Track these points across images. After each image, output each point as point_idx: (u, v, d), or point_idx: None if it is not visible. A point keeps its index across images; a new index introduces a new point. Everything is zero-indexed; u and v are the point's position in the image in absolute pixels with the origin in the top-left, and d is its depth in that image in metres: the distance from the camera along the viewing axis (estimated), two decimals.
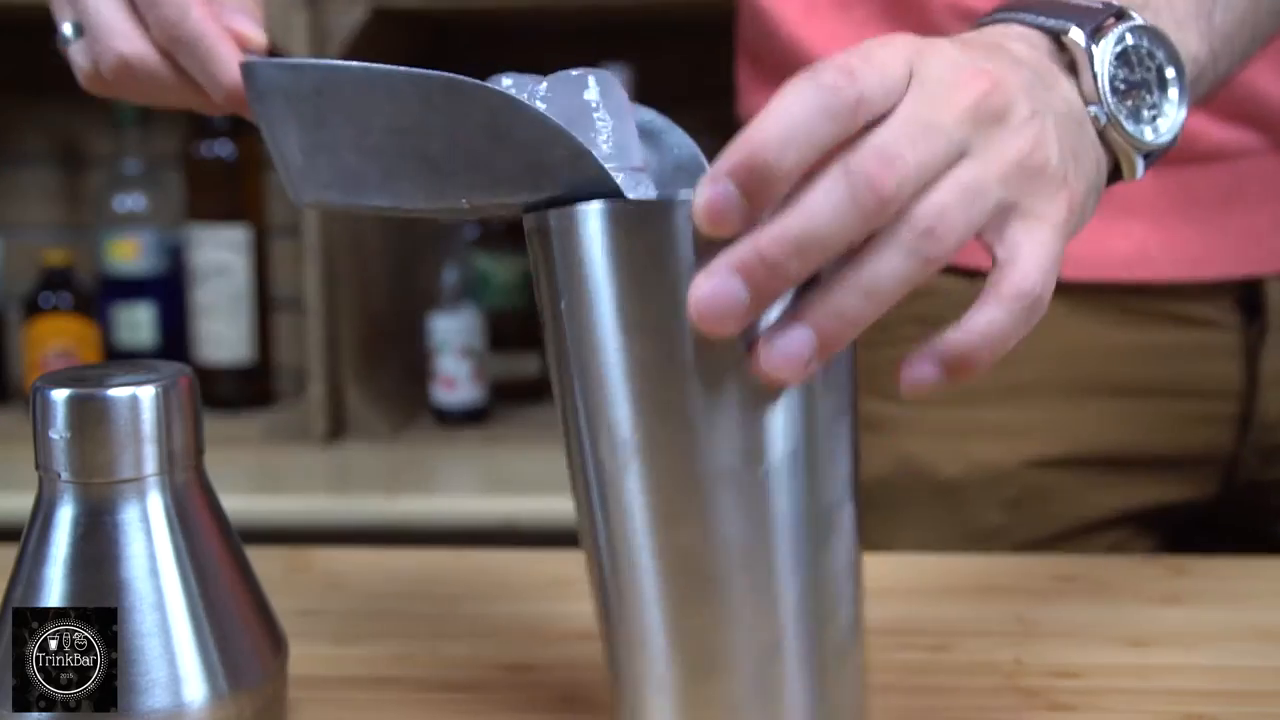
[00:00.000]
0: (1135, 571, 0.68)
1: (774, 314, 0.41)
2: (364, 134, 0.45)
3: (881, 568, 0.69)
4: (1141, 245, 0.75)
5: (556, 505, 1.29)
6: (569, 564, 0.70)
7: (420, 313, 1.56)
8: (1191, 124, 0.74)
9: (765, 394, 0.41)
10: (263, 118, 0.47)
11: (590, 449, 0.43)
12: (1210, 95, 0.58)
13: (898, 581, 0.66)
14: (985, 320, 0.43)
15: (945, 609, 0.63)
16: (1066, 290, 0.76)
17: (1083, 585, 0.66)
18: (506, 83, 0.49)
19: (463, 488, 1.38)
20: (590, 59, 1.73)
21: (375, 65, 0.44)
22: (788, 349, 0.40)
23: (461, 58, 1.63)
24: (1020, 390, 0.77)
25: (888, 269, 0.40)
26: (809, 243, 0.39)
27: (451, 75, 0.43)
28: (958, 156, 0.41)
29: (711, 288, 0.39)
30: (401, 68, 0.43)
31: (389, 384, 1.54)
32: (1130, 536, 0.80)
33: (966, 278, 0.78)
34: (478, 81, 0.43)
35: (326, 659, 0.58)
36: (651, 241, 0.41)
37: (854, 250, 0.40)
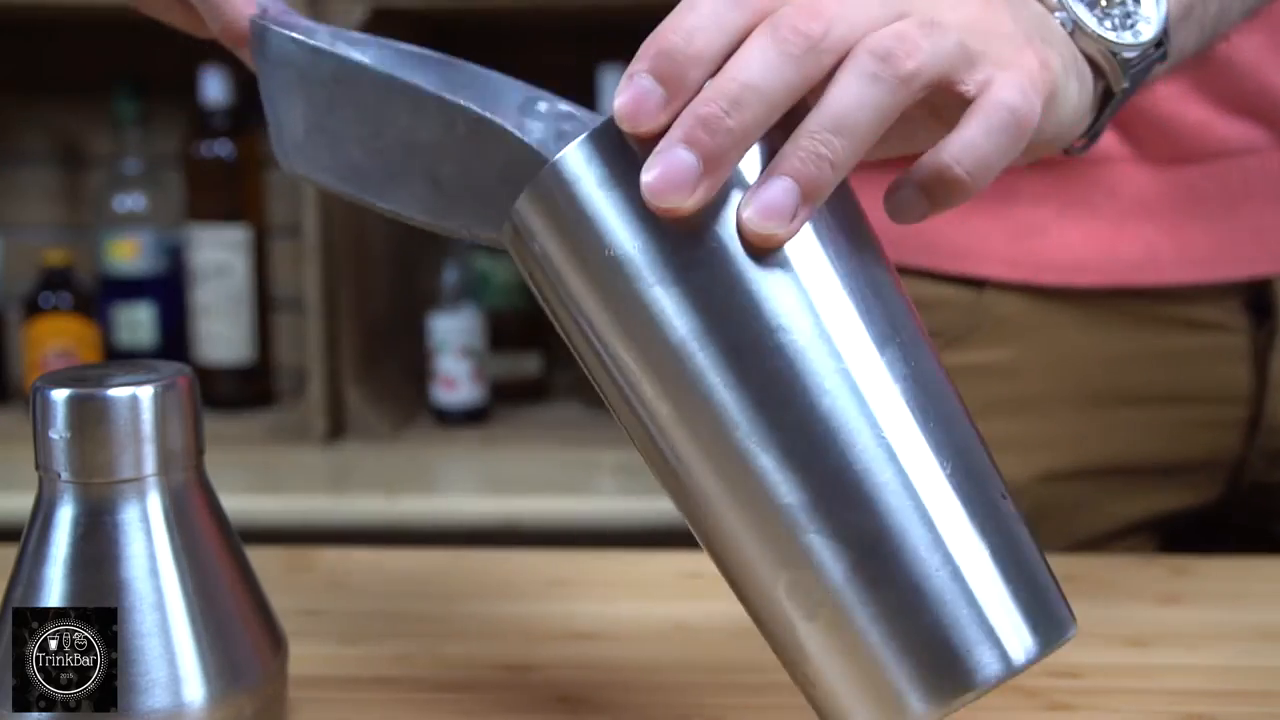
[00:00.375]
0: (1135, 571, 0.68)
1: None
2: (375, 136, 0.44)
3: None
4: (1150, 248, 0.74)
5: (556, 505, 1.30)
6: (569, 564, 0.70)
7: (420, 313, 1.56)
8: (1196, 116, 0.74)
9: (772, 261, 0.39)
10: (266, 79, 0.46)
11: (657, 420, 0.40)
12: (1210, 41, 0.57)
13: None
14: (960, 137, 0.41)
15: None
16: (1076, 298, 0.76)
17: (1083, 585, 0.66)
18: (542, 107, 0.48)
19: (463, 488, 1.38)
20: (590, 59, 1.73)
21: (400, 77, 0.43)
22: (768, 199, 0.38)
23: (462, 57, 1.63)
24: (1031, 402, 0.76)
25: (853, 97, 0.39)
26: (744, 95, 0.38)
27: (479, 112, 0.42)
28: (899, 14, 0.40)
29: (660, 161, 0.38)
30: (428, 87, 0.43)
31: (389, 384, 1.54)
32: (1137, 544, 0.80)
33: (973, 289, 0.78)
34: (503, 125, 0.42)
35: (326, 659, 0.58)
36: (603, 177, 0.39)
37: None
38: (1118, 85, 0.48)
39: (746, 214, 0.39)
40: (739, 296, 0.39)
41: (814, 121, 0.39)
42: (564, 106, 0.51)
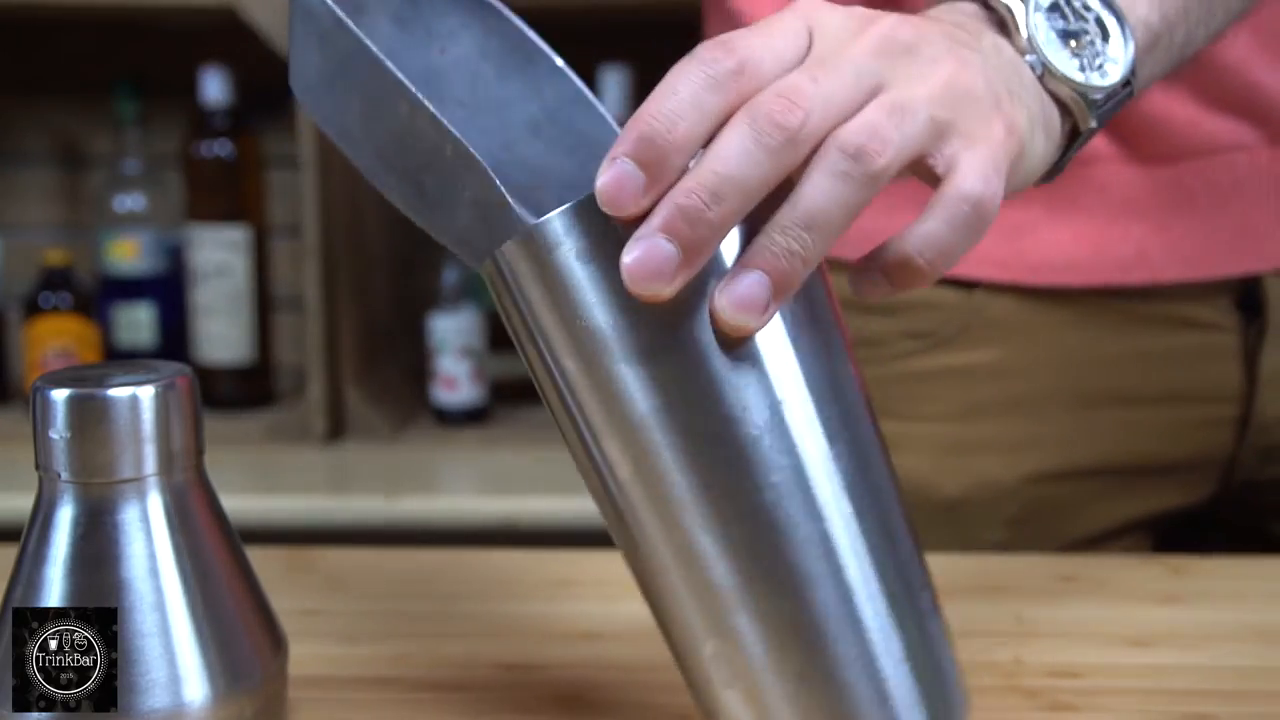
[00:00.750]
0: (1135, 571, 0.68)
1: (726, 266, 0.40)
2: (373, 120, 0.44)
3: None
4: (1140, 247, 0.74)
5: (556, 505, 1.30)
6: (569, 564, 0.70)
7: (420, 313, 1.56)
8: (1184, 114, 0.74)
9: (739, 351, 0.41)
10: (294, 19, 0.47)
11: (621, 487, 0.42)
12: (1176, 65, 0.57)
13: None
14: (924, 227, 0.42)
15: (945, 609, 0.63)
16: (1067, 298, 0.76)
17: (1083, 585, 0.66)
18: (548, 132, 0.48)
19: (463, 488, 1.38)
20: (590, 59, 1.73)
21: (408, 84, 0.43)
22: (740, 293, 0.40)
23: None
24: (1022, 403, 0.76)
25: (824, 195, 0.40)
26: (724, 188, 0.39)
27: (465, 145, 0.43)
28: (870, 90, 0.41)
29: (639, 248, 0.39)
30: (431, 107, 0.43)
31: (389, 384, 1.54)
32: (1131, 544, 0.80)
33: (964, 290, 0.78)
34: (484, 166, 0.43)
35: (326, 659, 0.58)
36: (583, 250, 0.40)
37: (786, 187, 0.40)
38: (1085, 125, 0.49)
39: (720, 304, 0.40)
40: (700, 384, 0.41)
41: (786, 217, 0.40)
42: (579, 120, 0.51)
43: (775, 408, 0.41)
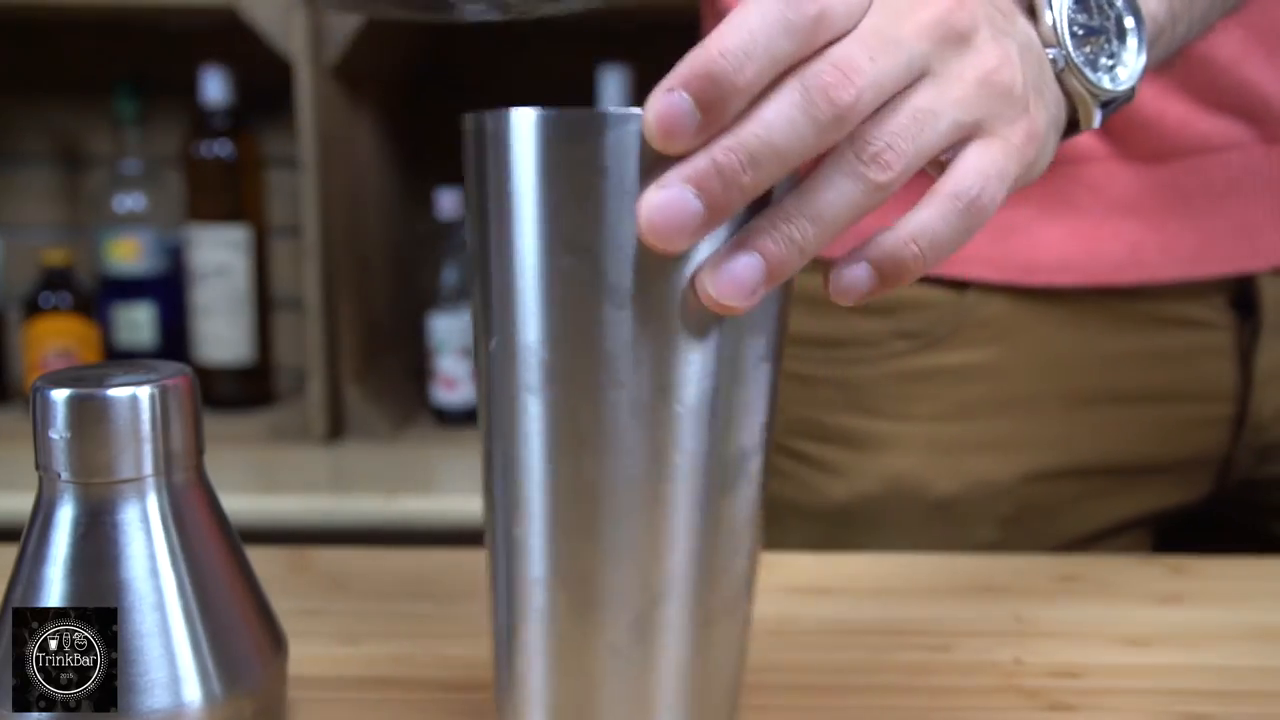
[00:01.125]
0: (1135, 571, 0.68)
1: (717, 242, 0.39)
2: None
3: (882, 568, 0.69)
4: (1133, 246, 0.74)
5: None
6: None
7: (420, 313, 1.56)
8: (1177, 113, 0.74)
9: (689, 329, 0.40)
10: None
11: (499, 366, 0.42)
12: (1170, 60, 0.57)
13: (898, 581, 0.66)
14: (916, 219, 0.41)
15: (945, 609, 0.63)
16: (1060, 298, 0.76)
17: (1083, 585, 0.66)
18: None
19: (463, 488, 1.38)
20: (590, 59, 1.73)
21: None
22: (735, 274, 0.39)
23: (462, 57, 1.63)
24: (1015, 402, 0.76)
25: (836, 194, 0.39)
26: (764, 154, 0.38)
27: None
28: (919, 74, 0.40)
29: (664, 198, 0.38)
30: None
31: (389, 384, 1.54)
32: (1129, 544, 0.80)
33: (955, 290, 0.78)
34: None
35: (326, 659, 0.58)
36: (586, 154, 0.39)
37: (802, 173, 0.40)
38: (1088, 124, 0.48)
39: (709, 282, 0.39)
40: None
41: (794, 205, 0.39)
42: None
43: (675, 395, 0.40)
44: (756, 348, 0.42)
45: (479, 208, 0.42)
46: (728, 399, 0.41)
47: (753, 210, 0.40)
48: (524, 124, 0.40)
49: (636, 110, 0.38)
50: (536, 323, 0.41)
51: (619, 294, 0.39)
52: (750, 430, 0.42)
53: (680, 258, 0.39)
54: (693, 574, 0.42)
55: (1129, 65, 0.48)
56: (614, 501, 0.41)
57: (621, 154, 0.39)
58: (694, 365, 0.40)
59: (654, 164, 0.38)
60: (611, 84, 1.46)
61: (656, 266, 0.39)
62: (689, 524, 0.42)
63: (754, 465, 0.43)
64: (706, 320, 0.40)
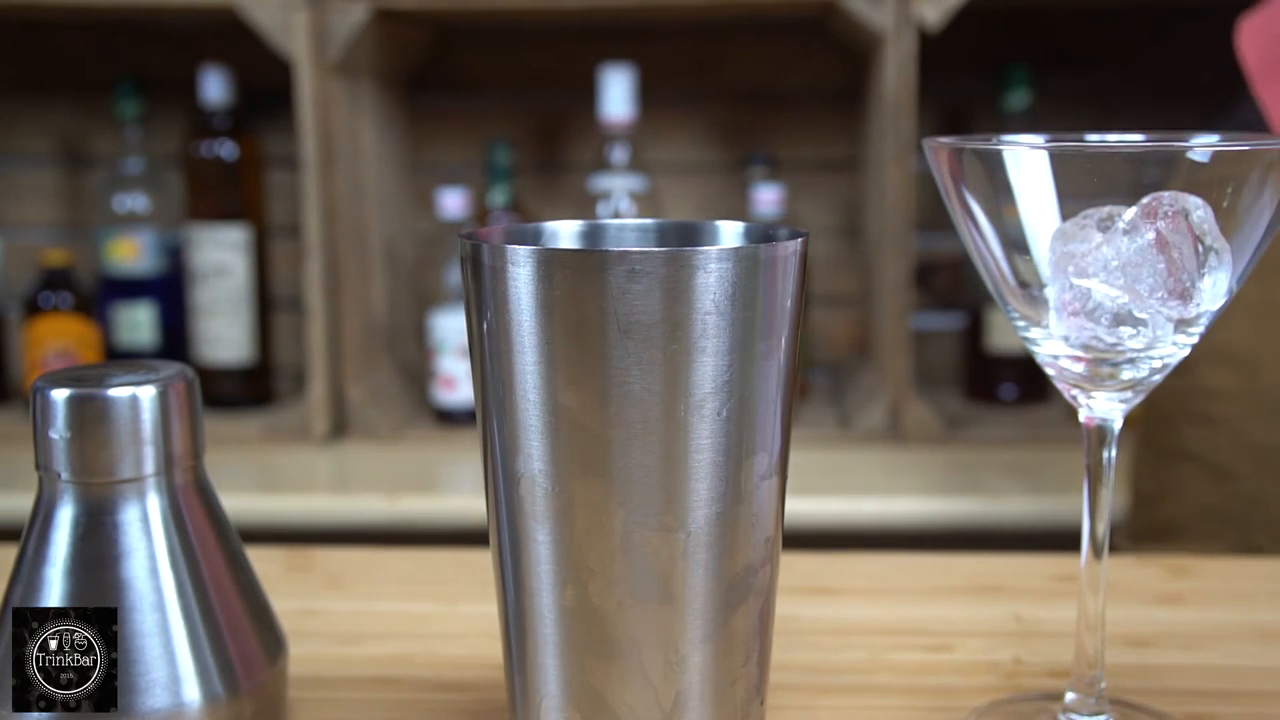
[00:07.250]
0: (1135, 571, 0.68)
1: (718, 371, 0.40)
2: None
3: (881, 568, 0.69)
4: None
5: None
6: None
7: (420, 313, 1.56)
8: None
9: (692, 457, 0.40)
10: None
11: (506, 493, 0.43)
12: None
13: (898, 581, 0.66)
14: None
15: (945, 609, 0.63)
16: None
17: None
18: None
19: (463, 488, 1.38)
20: (590, 59, 1.72)
21: None
22: None
23: (462, 58, 1.63)
24: None
25: None
26: None
27: None
28: None
29: None
30: None
31: (389, 384, 1.54)
32: None
33: None
34: None
35: (326, 659, 0.58)
36: (586, 292, 0.39)
37: None
38: None
39: None
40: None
41: None
42: None
43: (681, 522, 0.41)
44: (760, 467, 0.42)
45: (480, 336, 0.42)
46: (733, 520, 0.42)
47: None
48: (522, 261, 0.40)
49: (635, 249, 0.39)
50: (541, 454, 0.41)
51: (622, 427, 0.40)
52: (756, 546, 0.43)
53: (681, 392, 0.40)
54: (703, 690, 0.42)
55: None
56: (622, 628, 0.41)
57: (620, 292, 0.39)
58: (699, 492, 0.41)
59: (650, 297, 0.39)
60: (611, 84, 1.46)
61: (659, 400, 0.40)
62: (699, 645, 0.42)
63: (761, 579, 0.43)
64: (710, 447, 0.41)
